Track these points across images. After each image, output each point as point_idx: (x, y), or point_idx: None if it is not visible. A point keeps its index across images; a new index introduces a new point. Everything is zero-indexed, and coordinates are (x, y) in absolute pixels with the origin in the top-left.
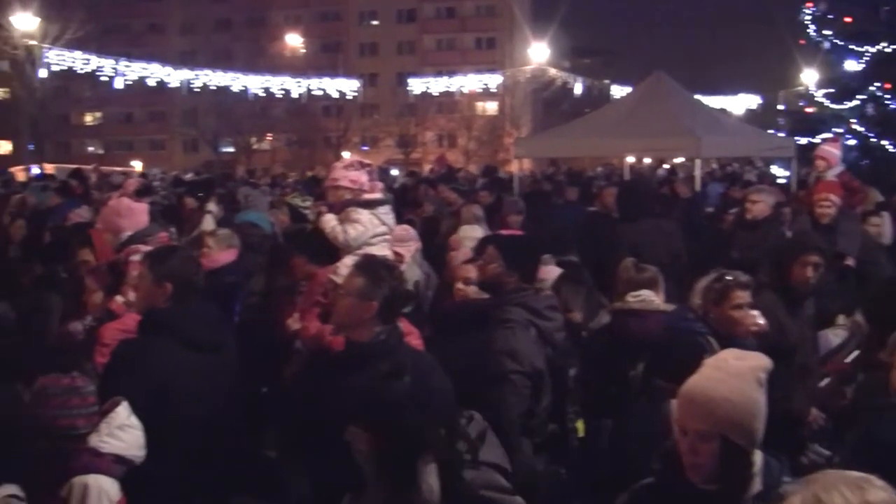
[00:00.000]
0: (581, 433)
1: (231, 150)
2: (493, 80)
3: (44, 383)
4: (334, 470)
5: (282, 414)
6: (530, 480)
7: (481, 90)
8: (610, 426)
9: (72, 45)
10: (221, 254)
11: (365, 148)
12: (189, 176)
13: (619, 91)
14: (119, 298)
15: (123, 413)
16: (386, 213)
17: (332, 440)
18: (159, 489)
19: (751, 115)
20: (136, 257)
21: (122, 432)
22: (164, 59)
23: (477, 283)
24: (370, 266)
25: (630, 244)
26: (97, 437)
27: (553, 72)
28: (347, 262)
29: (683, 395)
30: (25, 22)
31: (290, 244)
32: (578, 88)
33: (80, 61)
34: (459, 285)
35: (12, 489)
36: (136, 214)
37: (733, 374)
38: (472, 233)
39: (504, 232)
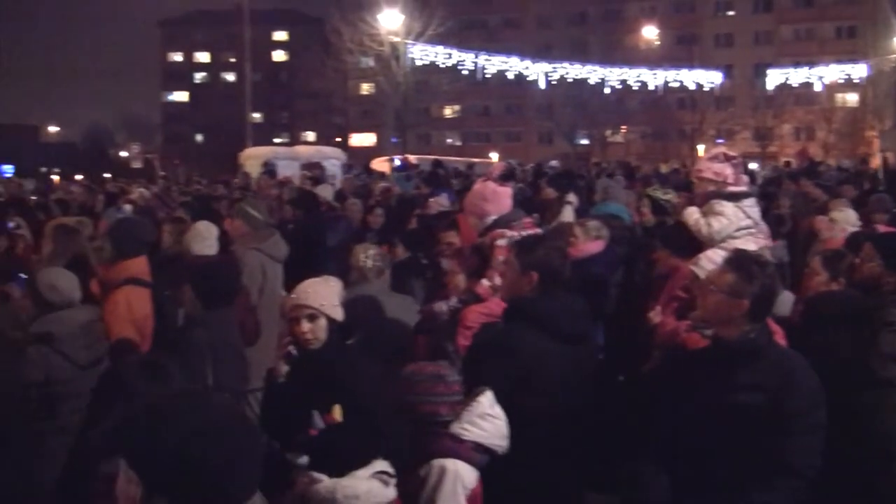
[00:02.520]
0: None
1: (586, 142)
2: (856, 71)
3: (412, 368)
4: (691, 472)
5: (640, 408)
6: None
7: (842, 81)
8: None
9: (433, 41)
10: (589, 244)
11: (720, 141)
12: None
13: None
14: (485, 282)
15: (486, 402)
16: (751, 205)
17: (688, 438)
18: (516, 477)
19: None
20: (501, 241)
21: (484, 421)
22: (521, 53)
23: (852, 282)
24: (742, 262)
25: None
26: (458, 424)
27: None
28: (710, 255)
29: None
30: (391, 19)
31: (654, 237)
32: None
33: (441, 55)
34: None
35: (383, 465)
36: (500, 198)
37: None
38: (846, 217)
39: (882, 228)
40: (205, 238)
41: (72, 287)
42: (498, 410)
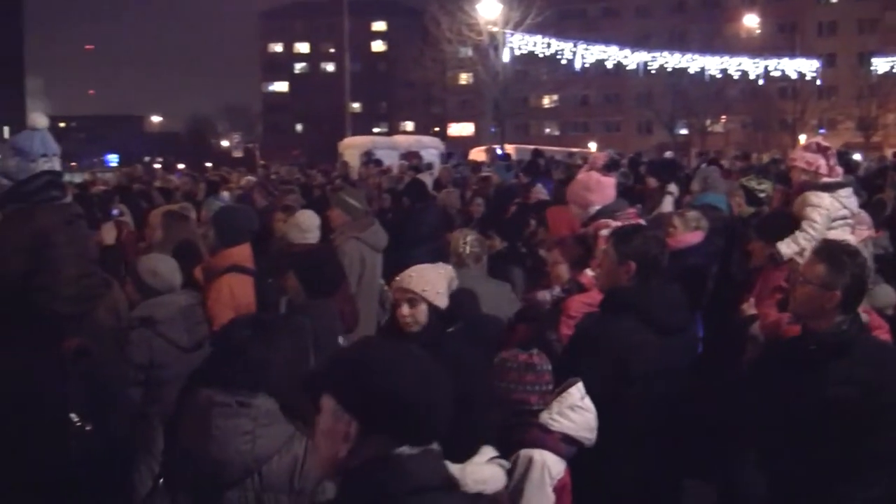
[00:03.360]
0: None
1: (685, 132)
2: None
3: (504, 357)
4: (787, 464)
5: (737, 401)
6: None
7: None
8: None
9: (532, 30)
10: (687, 235)
11: (822, 131)
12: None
13: None
14: (589, 272)
15: (577, 394)
16: (847, 196)
17: (783, 431)
18: (613, 466)
19: None
20: (604, 231)
21: (573, 413)
22: (620, 43)
23: None
24: (832, 252)
25: None
26: (548, 414)
27: None
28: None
29: None
30: (489, 9)
31: (750, 228)
32: None
33: (540, 45)
34: None
35: (492, 451)
36: (604, 188)
37: None
38: None
39: None
40: (307, 227)
41: (172, 272)
42: (588, 403)
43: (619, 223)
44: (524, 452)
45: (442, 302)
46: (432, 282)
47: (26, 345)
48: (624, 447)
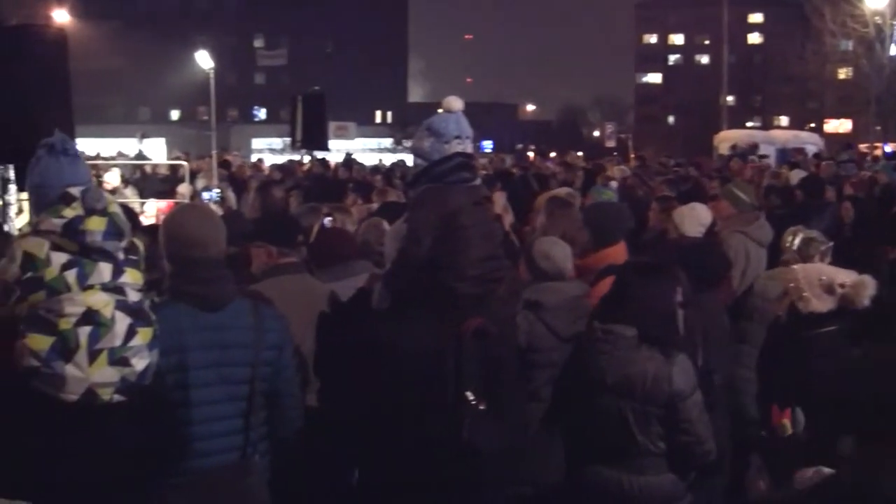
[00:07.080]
0: None
1: None
2: None
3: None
4: None
5: None
6: None
7: None
8: None
9: None
10: None
11: None
12: None
13: None
14: None
15: None
16: None
17: None
18: None
19: None
20: None
21: None
22: None
23: None
24: None
25: None
26: None
27: None
28: None
29: None
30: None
31: None
32: None
33: None
34: None
35: None
36: None
37: None
38: None
39: None
40: (705, 221)
41: (565, 258)
42: None
43: None
44: None
45: (806, 305)
46: (798, 282)
47: (429, 321)
48: None
